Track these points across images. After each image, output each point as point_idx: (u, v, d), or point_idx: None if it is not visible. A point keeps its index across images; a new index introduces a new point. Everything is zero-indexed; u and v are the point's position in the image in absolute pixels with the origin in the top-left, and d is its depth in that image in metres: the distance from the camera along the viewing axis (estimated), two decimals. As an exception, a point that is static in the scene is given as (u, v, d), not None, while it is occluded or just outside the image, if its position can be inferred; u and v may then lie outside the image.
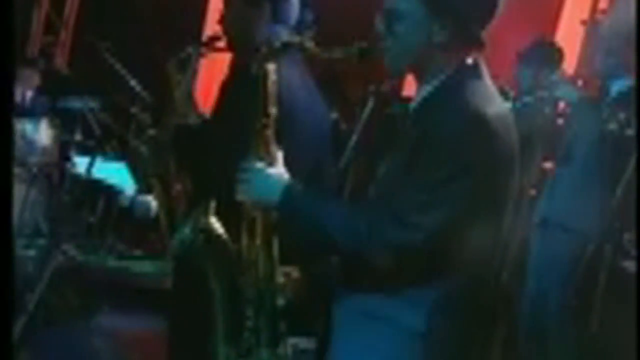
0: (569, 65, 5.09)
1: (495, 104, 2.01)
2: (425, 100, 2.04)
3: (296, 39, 2.30)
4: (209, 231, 2.39)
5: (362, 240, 1.96)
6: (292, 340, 2.32)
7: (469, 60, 2.03)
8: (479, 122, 1.93)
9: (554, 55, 4.64)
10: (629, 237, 3.82)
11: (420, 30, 2.01)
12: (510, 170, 2.01)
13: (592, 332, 3.67)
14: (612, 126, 3.73)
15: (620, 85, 3.84)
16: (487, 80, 2.05)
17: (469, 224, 1.93)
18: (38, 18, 5.62)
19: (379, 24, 2.07)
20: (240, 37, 2.78)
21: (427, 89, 2.04)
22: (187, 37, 3.13)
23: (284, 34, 2.56)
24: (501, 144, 1.96)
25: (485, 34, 2.04)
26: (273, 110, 2.27)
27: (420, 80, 2.07)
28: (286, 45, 2.27)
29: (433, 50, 2.01)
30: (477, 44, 2.04)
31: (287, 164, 2.23)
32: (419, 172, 1.92)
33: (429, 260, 1.94)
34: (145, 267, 4.77)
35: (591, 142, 3.82)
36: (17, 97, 4.86)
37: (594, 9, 5.12)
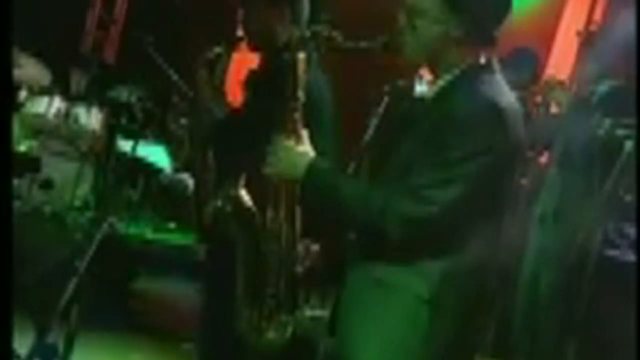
0: (565, 73, 5.14)
1: (507, 95, 2.03)
2: (443, 90, 2.05)
3: (325, 29, 2.25)
4: (238, 202, 2.39)
5: (379, 213, 1.96)
6: (308, 312, 2.33)
7: (482, 58, 2.05)
8: (494, 109, 1.95)
9: (531, 60, 4.67)
10: (612, 226, 3.83)
11: (439, 26, 2.01)
12: (516, 157, 2.03)
13: (580, 312, 3.71)
14: (600, 129, 3.75)
15: (605, 86, 3.85)
16: (499, 75, 2.07)
17: (478, 202, 1.94)
18: (92, 17, 5.81)
19: (401, 19, 2.06)
20: (263, 37, 2.73)
21: (442, 82, 2.06)
22: (218, 35, 3.17)
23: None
24: (511, 131, 1.98)
25: (498, 33, 2.04)
26: (301, 95, 2.24)
27: (436, 73, 2.09)
28: (316, 35, 2.25)
29: (450, 45, 2.02)
30: (491, 42, 2.06)
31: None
32: (435, 152, 1.94)
33: (440, 233, 1.95)
34: (178, 238, 4.81)
35: (583, 143, 3.82)
36: (72, 86, 4.98)
37: (588, 21, 5.17)
